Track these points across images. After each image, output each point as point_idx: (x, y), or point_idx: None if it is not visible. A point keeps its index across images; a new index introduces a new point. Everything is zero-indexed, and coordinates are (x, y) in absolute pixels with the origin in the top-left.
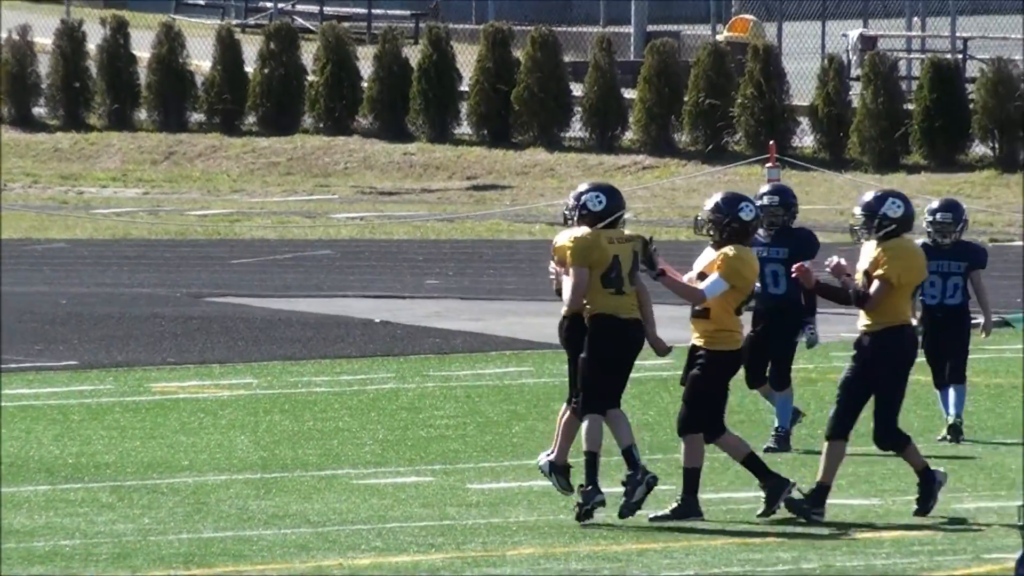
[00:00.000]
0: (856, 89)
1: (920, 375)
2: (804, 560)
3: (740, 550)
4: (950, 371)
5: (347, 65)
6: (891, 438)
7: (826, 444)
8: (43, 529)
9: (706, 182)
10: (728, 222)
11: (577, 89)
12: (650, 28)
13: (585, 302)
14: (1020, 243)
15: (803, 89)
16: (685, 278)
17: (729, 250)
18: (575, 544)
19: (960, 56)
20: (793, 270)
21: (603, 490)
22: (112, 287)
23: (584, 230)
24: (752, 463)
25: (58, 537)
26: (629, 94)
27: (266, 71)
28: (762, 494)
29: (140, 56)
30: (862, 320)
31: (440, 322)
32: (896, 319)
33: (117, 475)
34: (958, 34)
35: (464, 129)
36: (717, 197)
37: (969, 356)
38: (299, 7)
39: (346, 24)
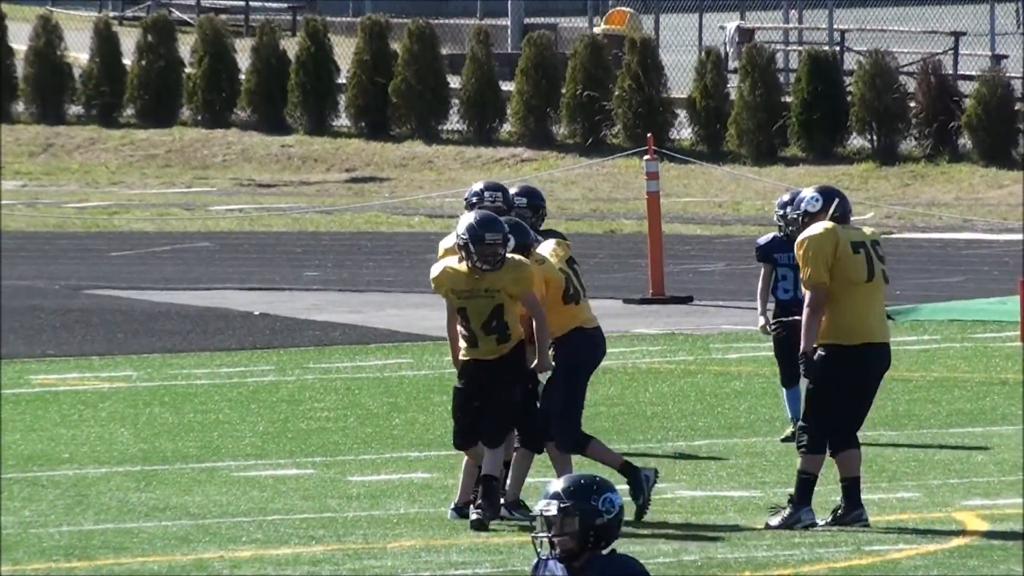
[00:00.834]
0: (734, 82)
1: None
2: (685, 552)
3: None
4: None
5: (225, 57)
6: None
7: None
8: None
9: (584, 175)
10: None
11: (454, 82)
12: (527, 20)
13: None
14: (899, 236)
15: (681, 82)
16: None
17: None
18: (456, 537)
19: (837, 48)
20: None
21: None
22: None
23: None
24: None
25: None
26: (507, 87)
27: (144, 63)
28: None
29: (17, 48)
30: None
31: (319, 314)
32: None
33: None
34: (835, 26)
35: (342, 121)
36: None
37: None
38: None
39: (223, 16)
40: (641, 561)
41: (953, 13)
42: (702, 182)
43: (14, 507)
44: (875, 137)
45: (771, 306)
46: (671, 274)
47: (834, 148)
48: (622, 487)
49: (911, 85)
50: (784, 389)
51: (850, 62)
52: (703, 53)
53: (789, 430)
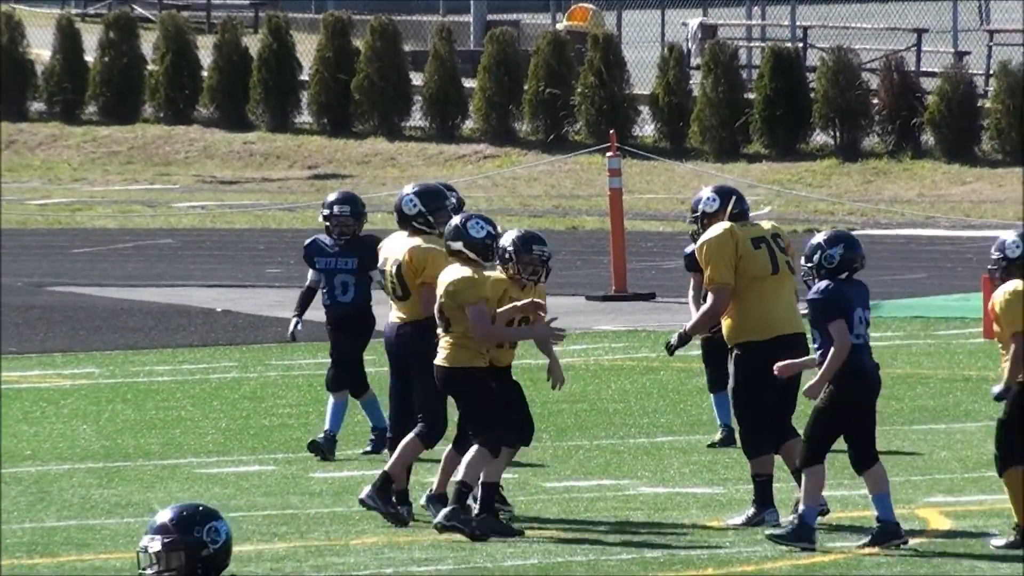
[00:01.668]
0: (696, 78)
1: None
2: (647, 549)
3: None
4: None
5: (187, 54)
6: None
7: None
8: None
9: (547, 171)
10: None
11: (417, 78)
12: (490, 17)
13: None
14: (861, 232)
15: (643, 78)
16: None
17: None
18: (418, 533)
19: (800, 45)
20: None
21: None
22: None
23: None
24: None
25: None
26: (469, 83)
27: (106, 60)
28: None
29: None
30: None
31: (282, 311)
32: None
33: None
34: (798, 23)
35: (304, 118)
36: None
37: None
38: None
39: (185, 13)
40: (603, 558)
41: (916, 10)
42: (665, 179)
43: None
44: (838, 134)
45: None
46: (634, 271)
47: (797, 145)
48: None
49: (874, 82)
50: (712, 395)
51: (813, 59)
52: (666, 49)
53: (718, 436)
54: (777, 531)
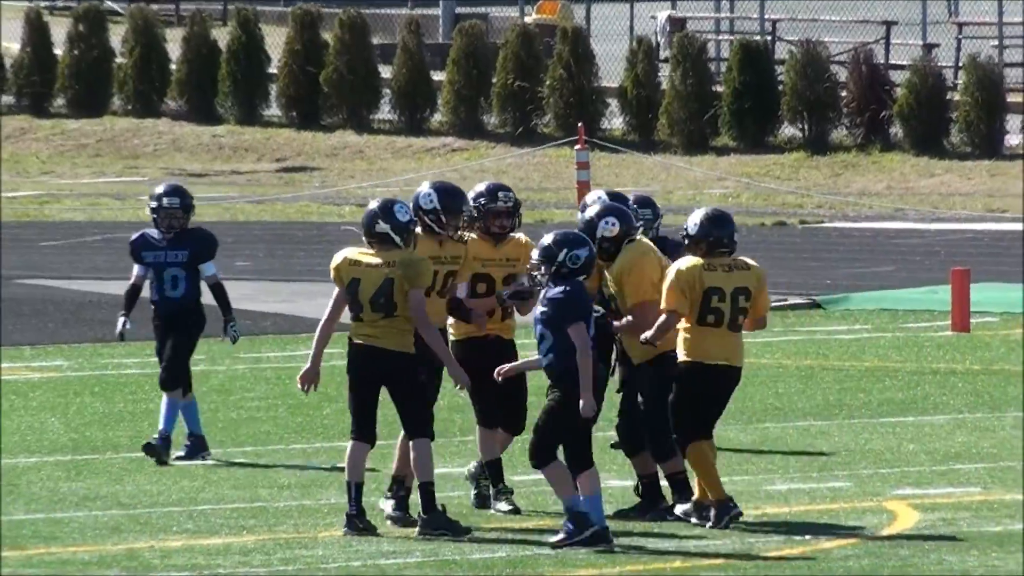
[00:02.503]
0: (665, 71)
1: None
2: (615, 542)
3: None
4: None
5: (156, 47)
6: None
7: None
8: None
9: (515, 164)
10: None
11: (386, 71)
12: (458, 10)
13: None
14: (830, 225)
15: (612, 71)
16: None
17: None
18: (386, 526)
19: (769, 38)
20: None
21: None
22: None
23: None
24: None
25: None
26: (438, 76)
27: (75, 53)
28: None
29: None
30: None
31: (250, 304)
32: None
33: None
34: (767, 16)
35: (273, 111)
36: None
37: (768, 339)
38: None
39: (154, 6)
40: (571, 551)
41: (884, 2)
42: (633, 171)
43: None
44: (806, 126)
45: None
46: None
47: (765, 137)
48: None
49: (842, 74)
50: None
51: (781, 51)
52: (634, 42)
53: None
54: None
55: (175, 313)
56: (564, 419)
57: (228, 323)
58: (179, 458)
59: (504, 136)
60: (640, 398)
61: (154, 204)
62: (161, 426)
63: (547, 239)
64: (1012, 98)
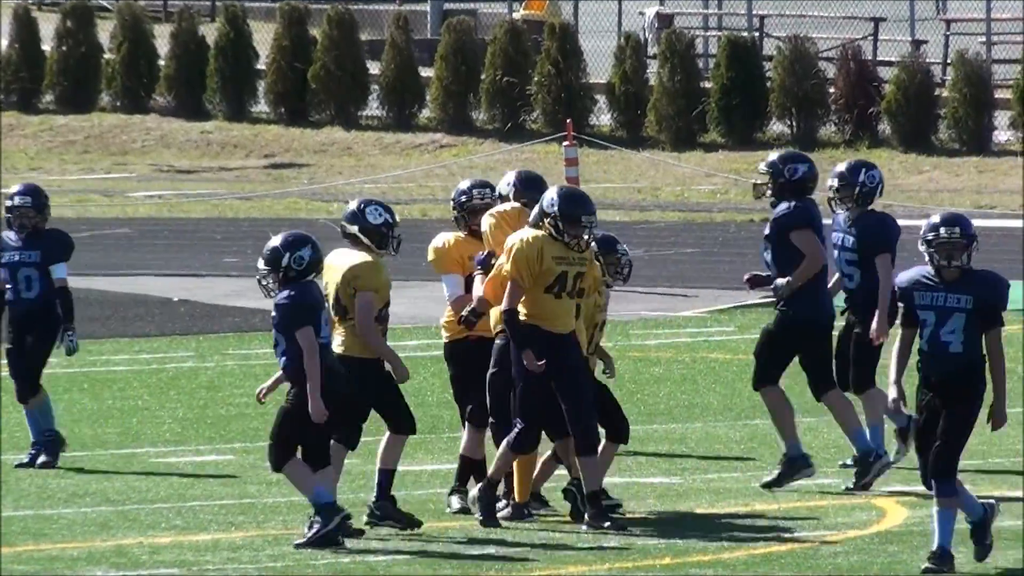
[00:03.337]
0: (653, 67)
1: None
2: (604, 539)
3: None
4: None
5: (144, 43)
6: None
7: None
8: None
9: (504, 160)
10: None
11: (374, 67)
12: (447, 6)
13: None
14: None
15: (600, 67)
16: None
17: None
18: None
19: (757, 34)
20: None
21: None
22: None
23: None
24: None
25: None
26: (426, 72)
27: (63, 49)
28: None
29: None
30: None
31: (239, 300)
32: None
33: None
34: (755, 12)
35: (261, 107)
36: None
37: (758, 335)
38: None
39: (142, 3)
40: (561, 547)
41: None
42: (621, 168)
43: None
44: (794, 123)
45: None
46: None
47: (753, 134)
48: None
49: (830, 71)
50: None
51: (769, 48)
52: (622, 39)
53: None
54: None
55: (29, 314)
56: (298, 420)
57: (67, 331)
58: (19, 465)
59: (492, 132)
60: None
61: (8, 204)
62: (33, 437)
63: (272, 242)
64: (1000, 94)
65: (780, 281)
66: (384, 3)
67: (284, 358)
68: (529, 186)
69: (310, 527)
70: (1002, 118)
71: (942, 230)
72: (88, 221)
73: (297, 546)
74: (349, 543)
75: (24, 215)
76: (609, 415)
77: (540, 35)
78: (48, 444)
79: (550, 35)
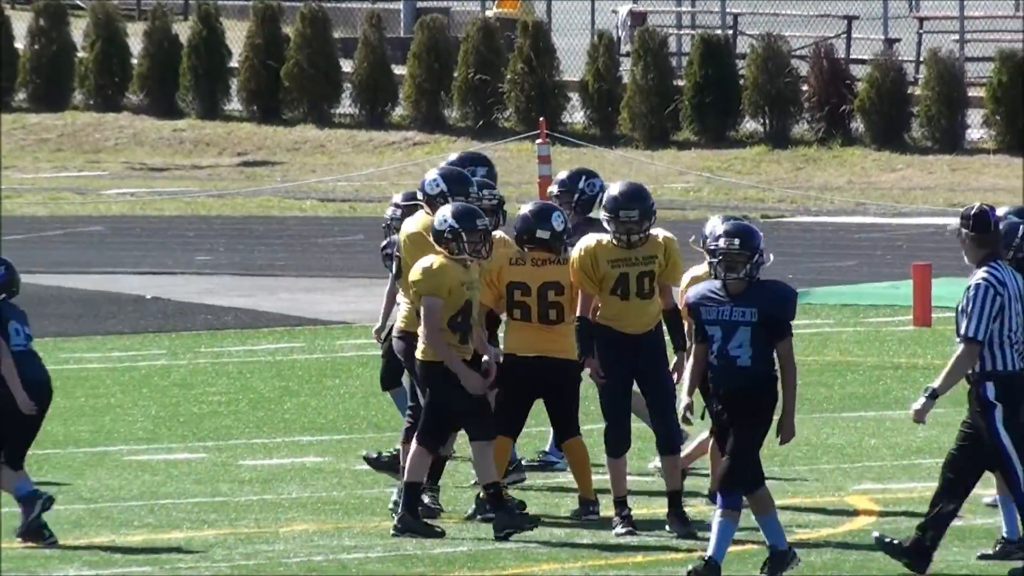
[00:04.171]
0: (626, 65)
1: None
2: (577, 536)
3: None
4: None
5: (117, 41)
6: None
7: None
8: None
9: None
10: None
11: (347, 65)
12: (420, 4)
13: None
14: (791, 219)
15: (573, 65)
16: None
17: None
18: (347, 521)
19: (730, 32)
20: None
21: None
22: None
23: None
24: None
25: None
26: (399, 70)
27: (36, 47)
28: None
29: None
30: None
31: (212, 298)
32: None
33: None
34: (728, 10)
35: (234, 105)
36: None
37: None
38: None
39: (116, 1)
40: (532, 545)
41: None
42: (594, 165)
43: None
44: (767, 121)
45: None
46: None
47: (726, 132)
48: None
49: (803, 69)
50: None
51: (743, 46)
52: (595, 36)
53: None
54: None
55: None
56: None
57: None
58: None
59: (465, 130)
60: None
61: None
62: None
63: None
64: (973, 93)
65: None
66: (357, 1)
67: None
68: (457, 186)
69: None
70: (975, 116)
71: (722, 241)
72: (61, 219)
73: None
74: (320, 540)
75: None
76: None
77: (513, 33)
78: None
79: (523, 33)
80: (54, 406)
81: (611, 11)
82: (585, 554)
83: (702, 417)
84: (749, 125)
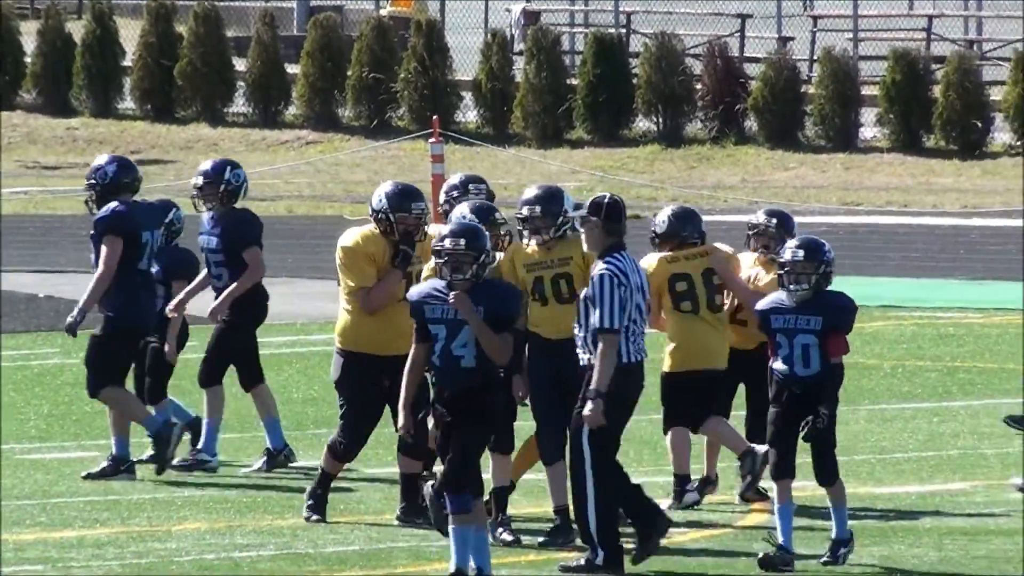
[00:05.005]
0: (519, 64)
1: None
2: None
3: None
4: None
5: (10, 40)
6: None
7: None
8: None
9: (370, 157)
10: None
11: (240, 64)
12: (313, 3)
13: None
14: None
15: (467, 64)
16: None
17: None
18: (240, 519)
19: (624, 31)
20: None
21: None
22: None
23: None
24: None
25: None
26: (292, 69)
27: None
28: None
29: None
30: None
31: None
32: None
33: None
34: (621, 9)
35: (127, 104)
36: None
37: None
38: None
39: None
40: (424, 543)
41: None
42: (488, 164)
43: None
44: (661, 119)
45: None
46: None
47: (620, 131)
48: None
49: (697, 67)
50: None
51: (636, 44)
52: (489, 35)
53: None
54: None
55: None
56: None
57: None
58: None
59: (359, 129)
60: None
61: None
62: None
63: None
64: (867, 91)
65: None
66: (250, 0)
67: None
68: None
69: None
70: (868, 115)
71: (447, 241)
72: None
73: None
74: (212, 539)
75: None
76: None
77: (407, 32)
78: None
79: (416, 32)
80: None
81: (504, 10)
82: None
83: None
84: (642, 124)
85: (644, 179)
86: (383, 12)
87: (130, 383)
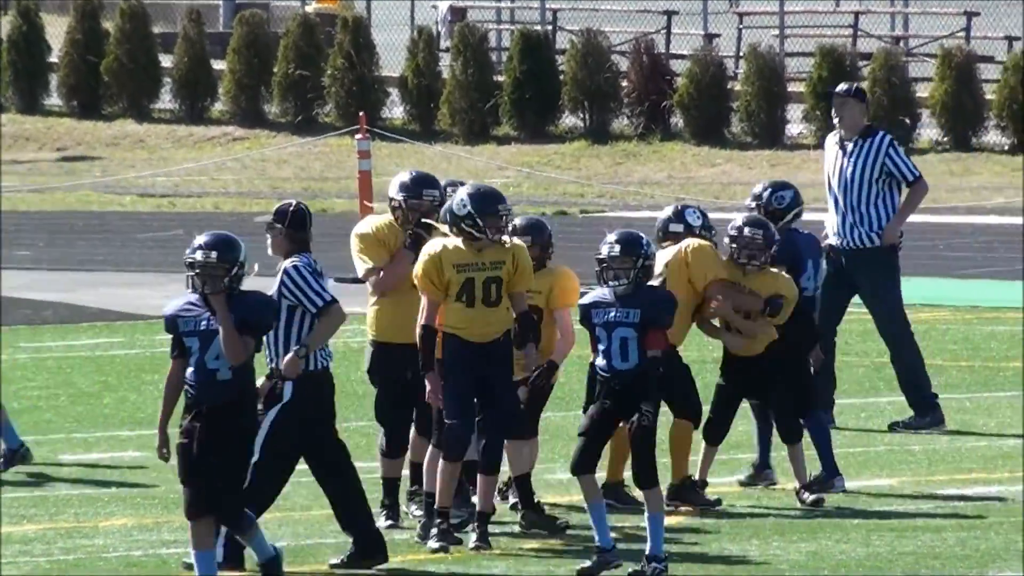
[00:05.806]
0: (446, 60)
1: None
2: (396, 532)
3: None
4: None
5: None
6: None
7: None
8: None
9: (296, 153)
10: None
11: (166, 60)
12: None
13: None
14: (611, 214)
15: (393, 61)
16: None
17: None
18: (167, 515)
19: (550, 27)
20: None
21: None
22: None
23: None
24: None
25: None
26: (219, 65)
27: None
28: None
29: None
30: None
31: (31, 293)
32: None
33: None
34: (548, 5)
35: (54, 100)
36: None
37: None
38: None
39: None
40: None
41: None
42: (414, 161)
43: None
44: (587, 116)
45: None
46: None
47: (546, 127)
48: None
49: (623, 64)
50: None
51: (563, 41)
52: (415, 32)
53: None
54: None
55: None
56: None
57: None
58: None
59: (285, 125)
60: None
61: None
62: None
63: None
64: (793, 88)
65: None
66: None
67: None
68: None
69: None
70: (795, 111)
71: (199, 254)
72: None
73: None
74: (140, 535)
75: None
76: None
77: (333, 28)
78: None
79: (343, 28)
80: None
81: (431, 7)
82: (403, 547)
83: None
84: (569, 120)
85: (571, 175)
86: (309, 9)
87: None
